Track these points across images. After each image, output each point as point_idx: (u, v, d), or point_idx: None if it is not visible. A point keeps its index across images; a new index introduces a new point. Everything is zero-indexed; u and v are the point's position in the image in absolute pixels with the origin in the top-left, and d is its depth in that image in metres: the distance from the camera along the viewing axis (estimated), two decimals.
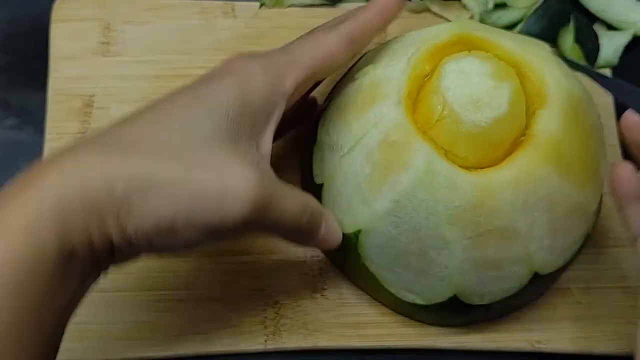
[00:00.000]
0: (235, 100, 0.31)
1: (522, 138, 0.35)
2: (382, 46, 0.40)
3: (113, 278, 0.42)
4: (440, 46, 0.36)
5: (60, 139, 0.46)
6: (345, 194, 0.36)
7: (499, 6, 0.51)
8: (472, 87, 0.34)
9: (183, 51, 0.49)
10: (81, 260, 0.28)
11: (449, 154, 0.34)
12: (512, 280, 0.36)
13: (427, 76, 0.36)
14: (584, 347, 0.41)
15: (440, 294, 0.37)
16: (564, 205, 0.35)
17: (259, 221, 0.31)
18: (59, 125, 0.46)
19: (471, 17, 0.51)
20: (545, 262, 0.36)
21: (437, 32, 0.37)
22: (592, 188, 0.37)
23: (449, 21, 0.51)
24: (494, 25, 0.50)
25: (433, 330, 0.41)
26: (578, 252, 0.39)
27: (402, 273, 0.36)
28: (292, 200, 0.33)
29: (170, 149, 0.29)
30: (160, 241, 0.29)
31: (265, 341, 0.41)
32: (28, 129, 0.48)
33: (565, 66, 0.37)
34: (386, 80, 0.36)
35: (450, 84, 0.34)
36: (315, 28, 0.38)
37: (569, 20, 0.50)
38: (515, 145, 0.35)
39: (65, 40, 0.49)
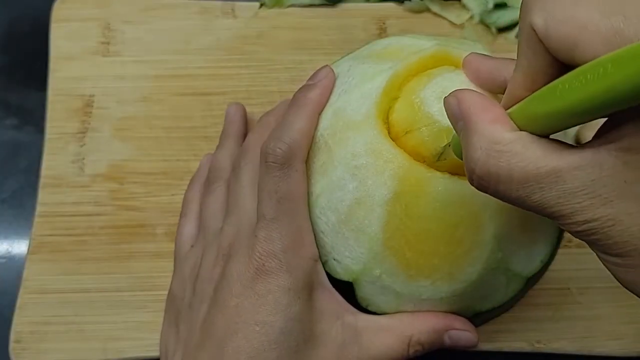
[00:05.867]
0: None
1: None
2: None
3: (113, 278, 0.43)
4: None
5: (60, 139, 0.46)
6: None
7: (499, 6, 0.51)
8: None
9: (183, 51, 0.49)
10: None
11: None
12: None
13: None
14: (584, 347, 0.41)
15: (350, 270, 0.35)
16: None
17: None
18: (59, 125, 0.46)
19: (471, 17, 0.51)
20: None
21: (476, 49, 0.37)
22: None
23: (449, 21, 0.51)
24: (494, 25, 0.50)
25: None
26: None
27: (341, 231, 0.34)
28: (383, 341, 0.34)
29: None
30: None
31: None
32: (28, 129, 0.48)
33: None
34: (407, 47, 0.36)
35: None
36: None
37: None
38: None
39: (65, 40, 0.49)
